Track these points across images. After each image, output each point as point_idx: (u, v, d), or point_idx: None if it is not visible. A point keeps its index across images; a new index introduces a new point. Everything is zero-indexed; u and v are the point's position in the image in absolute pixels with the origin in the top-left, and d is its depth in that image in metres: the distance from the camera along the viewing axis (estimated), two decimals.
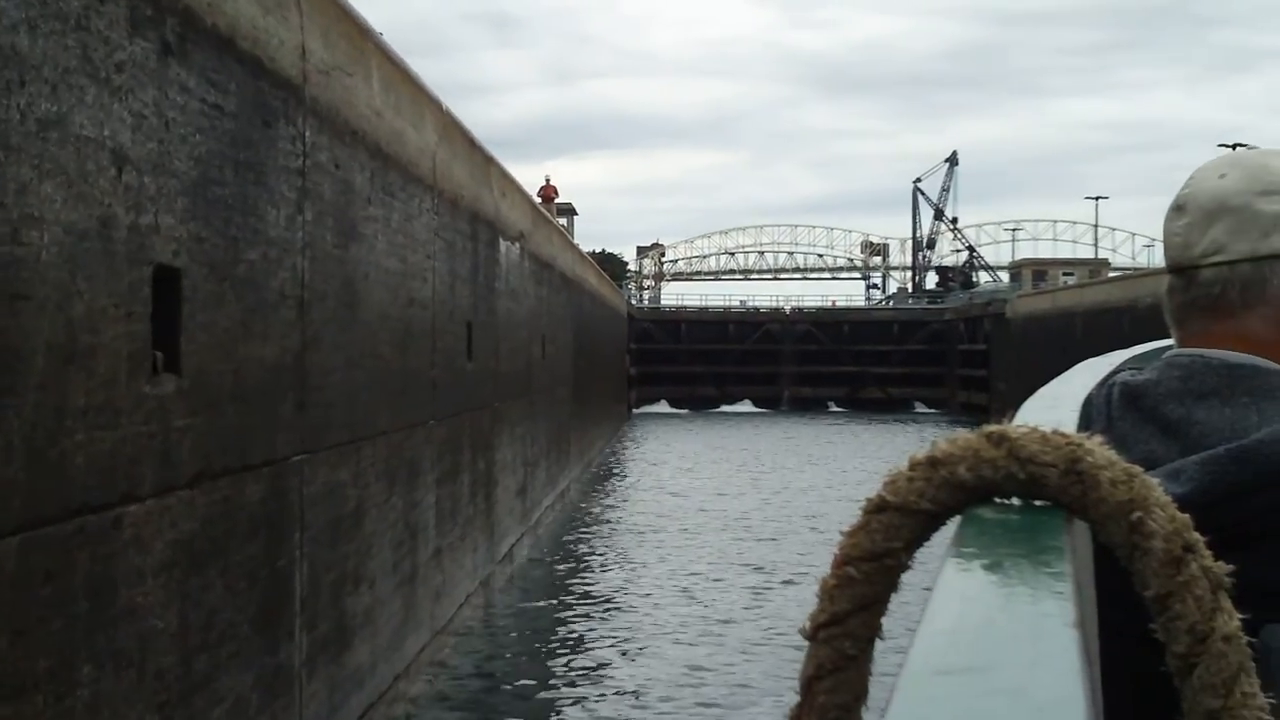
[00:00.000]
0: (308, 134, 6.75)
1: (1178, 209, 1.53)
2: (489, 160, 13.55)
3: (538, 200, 21.14)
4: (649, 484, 25.90)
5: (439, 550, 10.49)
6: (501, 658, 11.11)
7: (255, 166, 5.97)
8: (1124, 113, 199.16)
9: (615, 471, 29.07)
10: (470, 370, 12.01)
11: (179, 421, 5.05)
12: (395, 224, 8.80)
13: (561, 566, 16.27)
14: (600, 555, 17.09)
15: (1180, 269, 1.52)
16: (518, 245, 15.55)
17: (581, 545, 17.95)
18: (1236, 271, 1.47)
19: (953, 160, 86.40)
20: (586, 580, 15.34)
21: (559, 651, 11.48)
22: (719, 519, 20.41)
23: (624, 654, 11.43)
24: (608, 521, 20.47)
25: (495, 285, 13.69)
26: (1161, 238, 1.59)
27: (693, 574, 15.51)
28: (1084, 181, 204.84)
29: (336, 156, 7.32)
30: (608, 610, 13.46)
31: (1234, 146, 48.16)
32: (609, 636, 12.13)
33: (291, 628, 6.54)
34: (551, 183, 33.91)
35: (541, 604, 13.78)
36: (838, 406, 57.22)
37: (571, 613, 13.32)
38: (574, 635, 12.20)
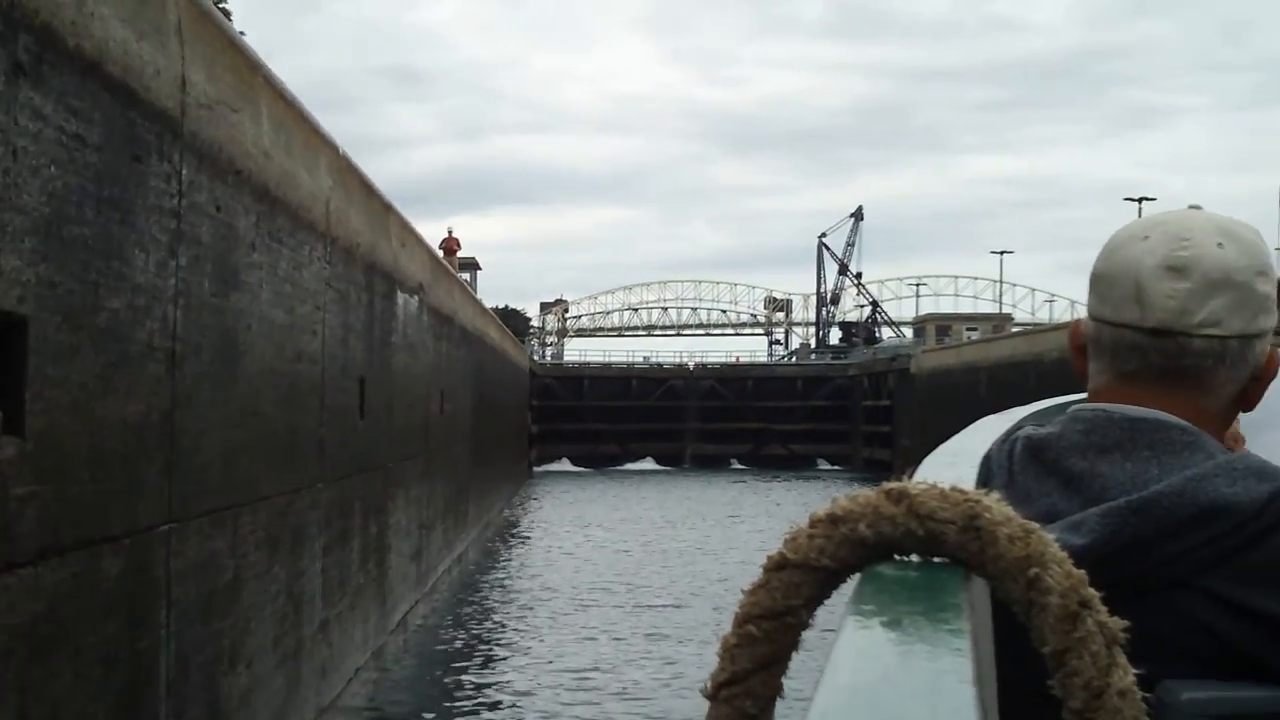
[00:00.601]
0: (185, 172, 6.17)
1: (1176, 271, 1.47)
2: (388, 208, 13.00)
3: (440, 253, 20.56)
4: (548, 545, 25.28)
5: (326, 622, 9.82)
6: None
7: (122, 205, 5.39)
8: (1026, 169, 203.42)
9: (515, 533, 28.40)
10: (363, 429, 11.39)
11: (20, 489, 4.43)
12: (283, 272, 8.22)
13: (458, 634, 15.60)
14: (498, 622, 16.46)
15: (1170, 332, 1.48)
16: (416, 298, 14.98)
17: (478, 612, 17.29)
18: (1227, 347, 1.47)
19: (858, 215, 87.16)
20: (483, 648, 14.73)
21: None
22: (620, 582, 19.95)
23: None
24: (506, 586, 19.83)
25: (392, 339, 13.10)
26: (1141, 294, 1.50)
27: (592, 639, 15.06)
28: (986, 238, 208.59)
29: (218, 197, 6.75)
30: (505, 680, 12.93)
31: (1140, 201, 49.13)
32: (504, 710, 11.53)
33: (156, 715, 5.88)
34: (454, 235, 33.15)
35: (436, 675, 13.12)
36: (740, 464, 57.01)
37: (467, 684, 12.68)
38: (468, 709, 11.56)
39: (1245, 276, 1.47)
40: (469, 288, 26.32)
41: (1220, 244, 1.48)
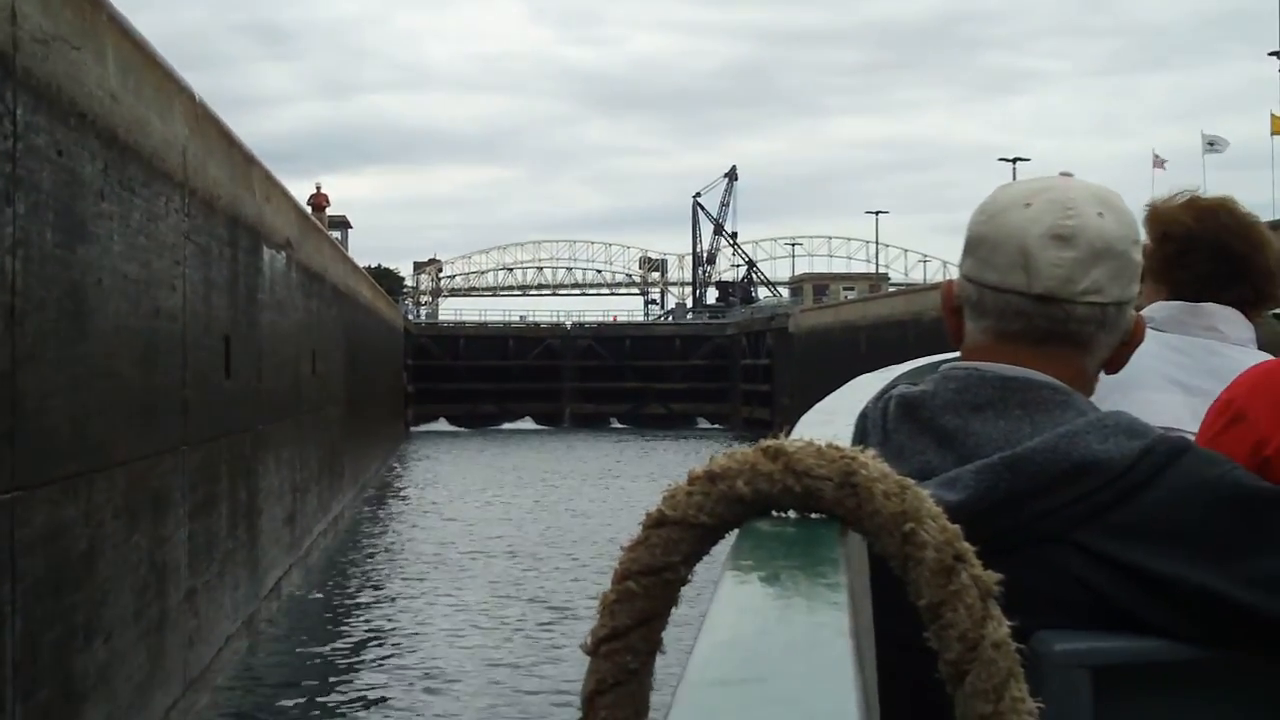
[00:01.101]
0: (20, 112, 5.70)
1: (1063, 240, 1.50)
2: (250, 161, 12.46)
3: (308, 209, 19.97)
4: (425, 506, 24.88)
5: (193, 591, 9.39)
6: (267, 708, 10.06)
7: None
8: (895, 132, 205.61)
9: (392, 494, 27.92)
10: (229, 389, 10.92)
11: None
12: (136, 224, 7.74)
13: (334, 598, 15.21)
14: (374, 586, 16.09)
15: (1055, 299, 1.51)
16: (284, 254, 14.45)
17: (355, 575, 16.88)
18: (1106, 313, 1.52)
19: (732, 175, 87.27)
20: (359, 613, 14.36)
21: (329, 696, 10.49)
22: (498, 542, 19.70)
23: (404, 690, 10.57)
24: (383, 549, 19.43)
25: (258, 296, 12.59)
26: (1028, 261, 1.52)
27: (470, 602, 14.80)
28: (857, 199, 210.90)
29: (59, 141, 6.27)
30: (381, 644, 12.62)
31: (1014, 161, 49.82)
32: (383, 673, 11.22)
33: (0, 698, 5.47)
34: (323, 190, 32.13)
35: (310, 642, 12.75)
36: (620, 423, 56.92)
37: (343, 650, 12.33)
38: (345, 676, 11.22)
39: (1124, 246, 1.53)
40: (339, 246, 25.64)
41: (1100, 213, 1.52)
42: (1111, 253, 1.51)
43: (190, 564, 9.25)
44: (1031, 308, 1.52)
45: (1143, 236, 1.66)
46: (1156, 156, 46.08)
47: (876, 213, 68.23)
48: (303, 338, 16.35)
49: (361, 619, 14.03)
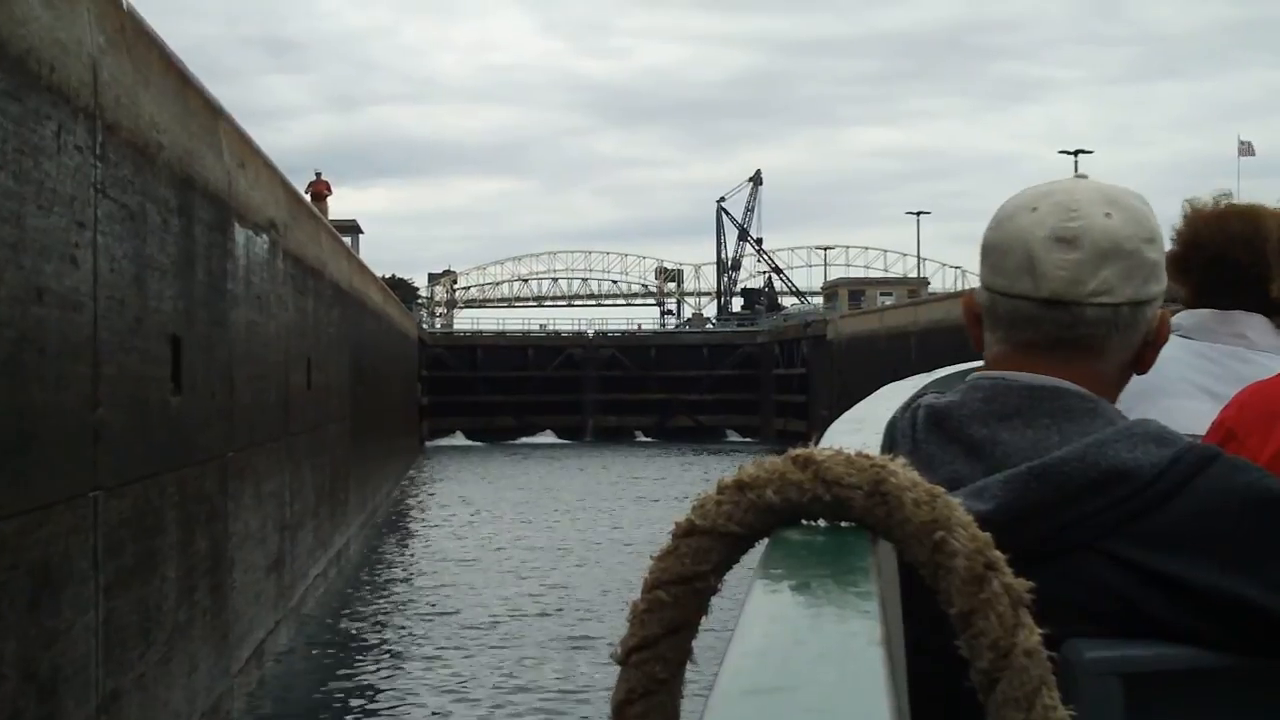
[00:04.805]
0: None
1: (1066, 242, 1.50)
2: (216, 112, 9.70)
3: (307, 197, 17.24)
4: (443, 535, 22.14)
5: (115, 695, 6.62)
6: None
7: None
8: (911, 142, 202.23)
9: (406, 520, 25.17)
10: (180, 407, 8.15)
11: None
12: None
13: (333, 659, 12.45)
14: (382, 640, 13.37)
15: (1062, 302, 1.50)
16: (266, 238, 11.67)
17: (360, 626, 14.11)
18: (1119, 314, 1.50)
19: (756, 180, 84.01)
20: (364, 677, 11.69)
21: None
22: (525, 576, 17.30)
23: None
24: (393, 588, 16.71)
25: (227, 287, 9.82)
26: (1034, 265, 1.51)
27: (498, 660, 12.18)
28: (873, 208, 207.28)
29: None
30: (393, 709, 10.16)
31: (1075, 154, 46.84)
32: None
33: None
34: (323, 178, 28.95)
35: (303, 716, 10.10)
36: (646, 436, 54.14)
37: None
38: None
39: (1133, 245, 1.50)
40: (345, 245, 22.84)
41: (1108, 213, 1.51)
42: (1120, 252, 1.49)
43: (107, 658, 6.47)
44: (1040, 312, 1.51)
45: (1157, 236, 1.52)
46: (1242, 143, 43.21)
47: (918, 213, 64.67)
48: (294, 343, 13.56)
49: (367, 684, 11.38)
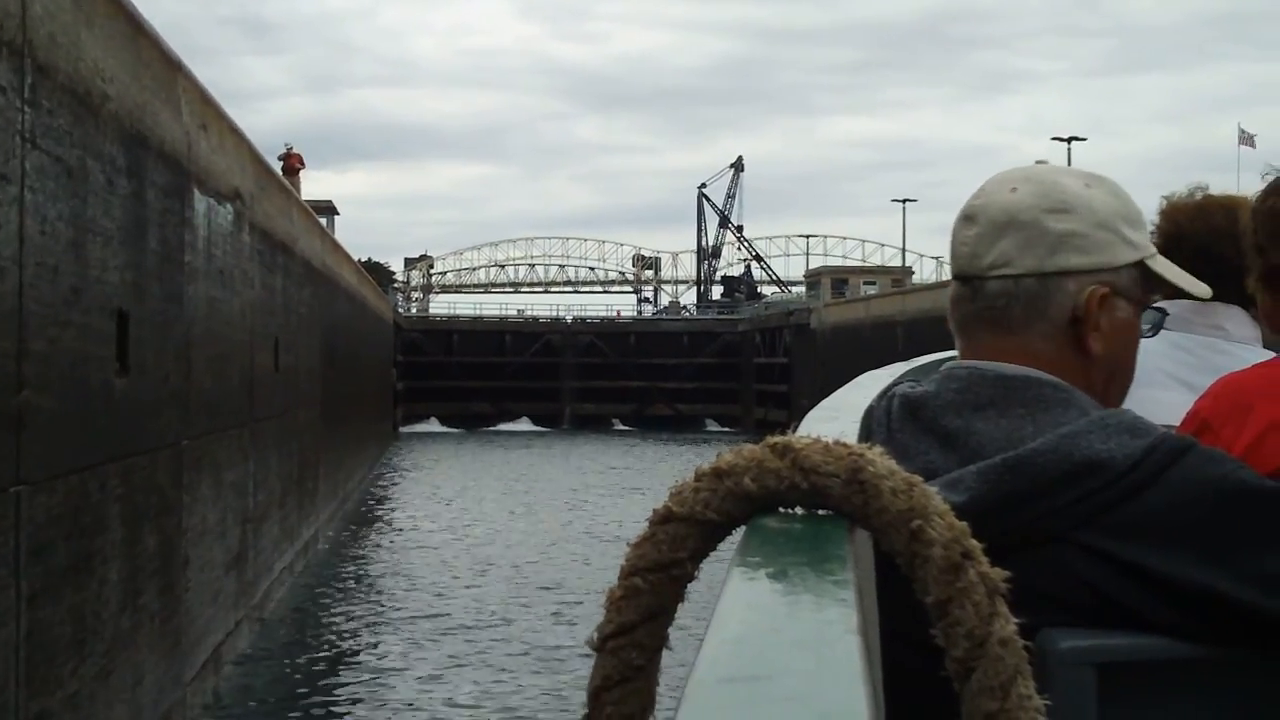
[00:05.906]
0: None
1: (967, 219, 1.51)
2: (175, 66, 8.84)
3: (277, 168, 16.34)
4: (418, 525, 21.34)
5: (40, 717, 5.79)
6: None
7: None
8: (887, 131, 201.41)
9: (378, 509, 24.31)
10: (125, 390, 7.31)
11: None
12: None
13: (298, 657, 11.66)
14: (352, 635, 12.61)
15: (966, 278, 1.51)
16: (230, 209, 10.82)
17: (327, 622, 13.30)
18: (1021, 286, 1.48)
19: (738, 166, 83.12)
20: (331, 675, 10.93)
21: None
22: (500, 565, 16.73)
23: None
24: (363, 582, 15.90)
25: (185, 259, 8.96)
26: (950, 246, 1.56)
27: (469, 660, 11.48)
28: (849, 198, 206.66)
29: None
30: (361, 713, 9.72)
31: (1069, 141, 46.09)
32: None
33: None
34: (296, 152, 27.80)
35: None
36: (624, 424, 53.37)
37: None
38: None
39: (1031, 215, 1.47)
40: (320, 223, 21.94)
41: (1014, 189, 1.49)
42: (1016, 223, 1.47)
43: (30, 677, 5.64)
44: (958, 291, 1.52)
45: (1073, 207, 1.47)
46: (1243, 132, 42.59)
47: (904, 200, 63.86)
48: (261, 322, 12.71)
49: (334, 686, 10.64)
